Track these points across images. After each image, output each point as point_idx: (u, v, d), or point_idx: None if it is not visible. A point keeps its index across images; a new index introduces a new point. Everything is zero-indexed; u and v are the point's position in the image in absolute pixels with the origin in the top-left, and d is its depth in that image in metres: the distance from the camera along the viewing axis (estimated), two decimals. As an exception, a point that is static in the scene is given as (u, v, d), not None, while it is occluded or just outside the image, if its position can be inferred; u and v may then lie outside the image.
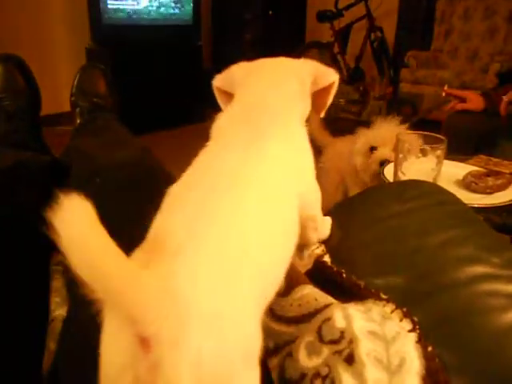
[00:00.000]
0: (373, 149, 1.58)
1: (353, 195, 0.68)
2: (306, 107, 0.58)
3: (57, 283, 0.67)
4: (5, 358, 0.56)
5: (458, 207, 0.61)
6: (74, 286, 0.59)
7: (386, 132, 1.54)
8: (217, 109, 0.59)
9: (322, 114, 0.61)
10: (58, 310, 0.63)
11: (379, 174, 1.27)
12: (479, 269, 0.49)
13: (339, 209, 0.67)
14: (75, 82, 1.18)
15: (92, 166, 0.77)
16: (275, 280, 0.42)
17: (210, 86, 0.63)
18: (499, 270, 0.49)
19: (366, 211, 0.64)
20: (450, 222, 0.58)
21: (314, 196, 0.54)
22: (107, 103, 1.15)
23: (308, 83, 0.57)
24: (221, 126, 0.50)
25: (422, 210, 0.59)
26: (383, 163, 1.43)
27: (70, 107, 1.17)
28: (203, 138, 0.50)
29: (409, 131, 1.00)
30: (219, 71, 0.60)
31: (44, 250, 0.70)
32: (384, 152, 1.54)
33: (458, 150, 1.31)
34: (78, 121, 1.12)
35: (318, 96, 0.59)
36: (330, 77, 0.58)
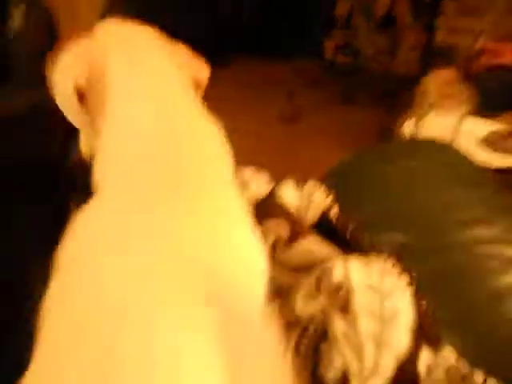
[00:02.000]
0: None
1: (363, 150, 0.68)
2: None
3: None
4: None
5: (468, 169, 0.60)
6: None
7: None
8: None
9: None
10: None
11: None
12: (482, 231, 0.49)
13: (348, 165, 0.67)
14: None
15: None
16: None
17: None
18: (501, 233, 0.49)
19: (374, 166, 0.64)
20: (457, 182, 0.57)
21: None
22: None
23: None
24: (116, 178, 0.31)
25: (430, 168, 0.59)
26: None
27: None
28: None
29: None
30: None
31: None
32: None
33: (489, 107, 1.25)
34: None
35: None
36: (205, 73, 0.47)
